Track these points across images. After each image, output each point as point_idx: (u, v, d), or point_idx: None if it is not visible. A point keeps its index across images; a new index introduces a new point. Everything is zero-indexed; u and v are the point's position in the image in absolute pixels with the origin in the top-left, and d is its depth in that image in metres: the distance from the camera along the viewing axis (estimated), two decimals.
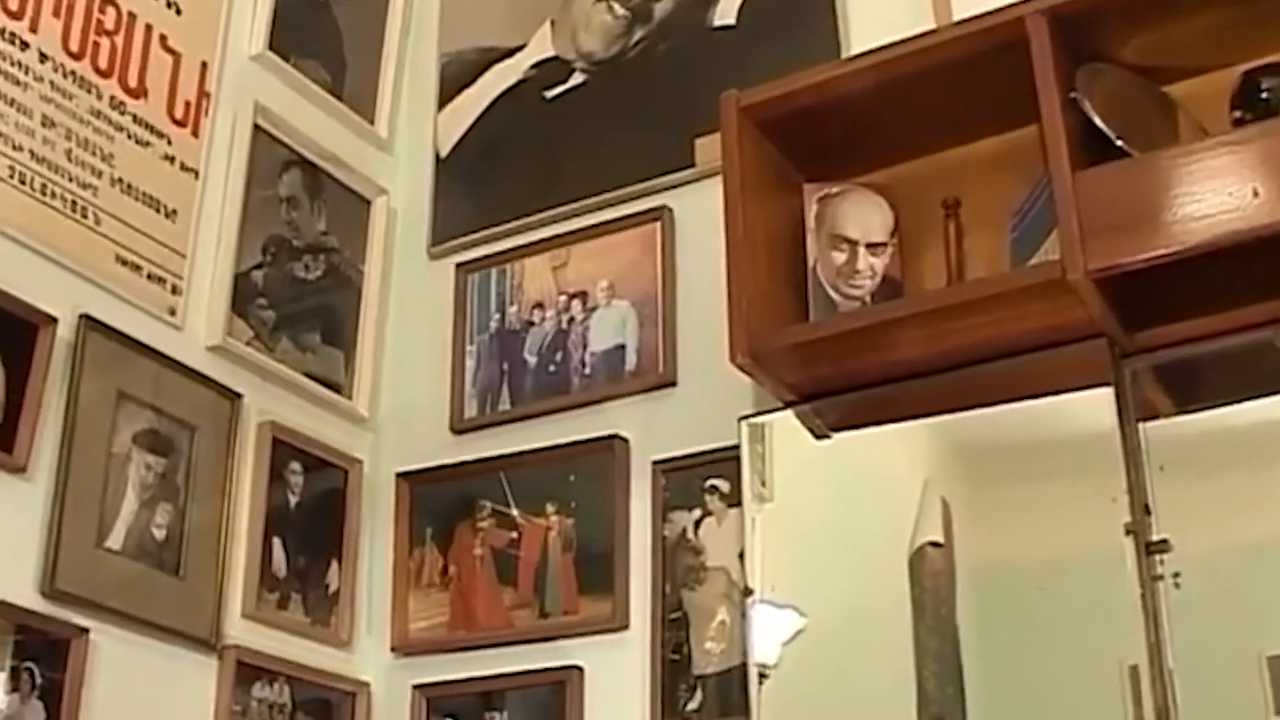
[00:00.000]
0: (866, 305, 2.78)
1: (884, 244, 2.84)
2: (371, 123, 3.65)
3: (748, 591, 2.77)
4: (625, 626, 2.98)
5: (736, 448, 2.87)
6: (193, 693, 2.92)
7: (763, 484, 2.84)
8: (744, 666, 2.77)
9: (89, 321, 2.83)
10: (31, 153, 2.81)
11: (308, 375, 3.31)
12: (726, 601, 2.88)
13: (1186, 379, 2.59)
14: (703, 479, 2.97)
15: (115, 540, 2.81)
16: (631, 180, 3.28)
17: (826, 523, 2.83)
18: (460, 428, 3.34)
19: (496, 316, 3.37)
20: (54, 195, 2.84)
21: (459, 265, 3.48)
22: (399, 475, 3.37)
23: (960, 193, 2.83)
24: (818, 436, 2.83)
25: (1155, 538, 2.44)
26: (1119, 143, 2.48)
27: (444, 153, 3.65)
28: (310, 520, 3.25)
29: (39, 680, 2.62)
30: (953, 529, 2.69)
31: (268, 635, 3.08)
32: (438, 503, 3.30)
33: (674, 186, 3.23)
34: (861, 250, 2.83)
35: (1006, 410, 2.67)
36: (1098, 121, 2.50)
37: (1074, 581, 2.55)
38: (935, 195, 2.85)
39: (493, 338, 3.37)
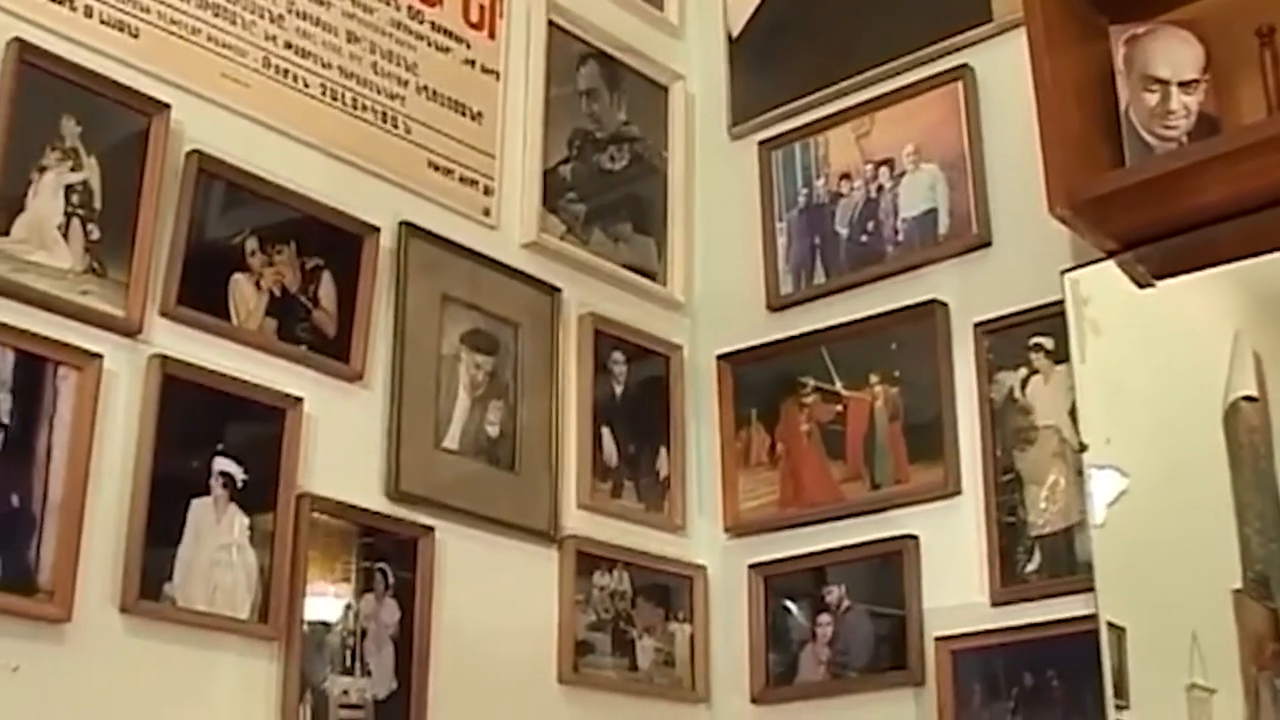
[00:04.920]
0: (1183, 145, 2.70)
1: (1196, 81, 2.75)
2: (661, 9, 3.64)
3: (1082, 447, 2.73)
4: (958, 492, 2.96)
5: (1057, 303, 2.82)
6: (537, 584, 2.99)
7: (1086, 338, 2.79)
8: (1072, 527, 2.76)
9: (409, 228, 2.90)
10: (340, 69, 2.88)
11: (622, 265, 3.34)
12: (1059, 460, 2.84)
13: None
14: (1026, 337, 2.92)
15: (452, 440, 2.89)
16: (928, 41, 3.22)
17: (1146, 377, 2.78)
18: (777, 305, 3.33)
19: (804, 191, 3.36)
20: (365, 109, 2.91)
21: (761, 143, 3.46)
22: (719, 357, 3.39)
23: (1274, 19, 2.71)
24: (1141, 286, 2.76)
25: None
26: None
27: (735, 32, 3.62)
28: (636, 408, 3.29)
29: (392, 580, 2.71)
30: (1266, 382, 2.62)
31: (604, 524, 3.14)
32: (760, 382, 3.32)
33: (973, 43, 3.17)
34: (1174, 89, 2.75)
35: None
36: None
37: None
38: (1247, 25, 2.74)
39: (802, 212, 3.35)
